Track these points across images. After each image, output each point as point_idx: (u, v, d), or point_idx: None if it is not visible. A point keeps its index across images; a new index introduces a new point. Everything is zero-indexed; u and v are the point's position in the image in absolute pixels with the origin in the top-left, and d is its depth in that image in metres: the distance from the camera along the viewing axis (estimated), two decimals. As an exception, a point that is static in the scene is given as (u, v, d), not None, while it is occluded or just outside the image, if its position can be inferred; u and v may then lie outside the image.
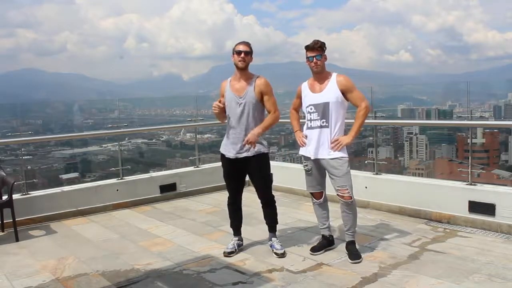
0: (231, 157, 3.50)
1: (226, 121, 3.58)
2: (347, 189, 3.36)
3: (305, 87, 3.53)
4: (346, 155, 3.38)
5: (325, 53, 3.40)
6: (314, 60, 3.35)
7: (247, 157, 3.47)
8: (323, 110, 3.36)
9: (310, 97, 3.45)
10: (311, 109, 3.43)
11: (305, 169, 3.57)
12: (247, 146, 3.41)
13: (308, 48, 3.37)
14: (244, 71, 3.47)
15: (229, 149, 3.52)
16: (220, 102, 3.49)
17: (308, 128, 3.48)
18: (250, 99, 3.44)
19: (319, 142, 3.39)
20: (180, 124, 7.43)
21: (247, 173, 3.60)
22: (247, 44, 3.47)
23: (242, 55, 3.41)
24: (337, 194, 3.41)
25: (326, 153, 3.38)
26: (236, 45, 3.48)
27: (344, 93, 3.36)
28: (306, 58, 3.39)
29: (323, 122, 3.37)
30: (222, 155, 3.60)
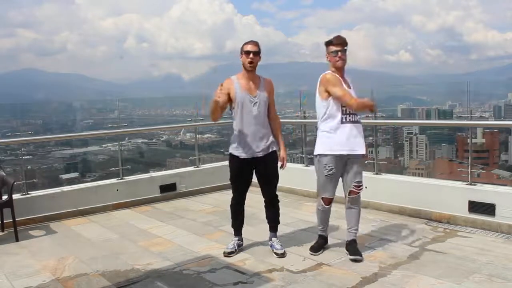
0: (247, 157, 3.46)
1: (235, 121, 3.48)
2: (362, 185, 3.43)
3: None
4: None
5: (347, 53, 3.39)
6: (339, 54, 3.31)
7: (260, 156, 3.47)
8: None
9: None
10: None
11: (328, 174, 3.37)
12: (262, 148, 3.46)
13: (331, 42, 3.33)
14: (253, 71, 3.45)
15: (244, 149, 3.45)
16: (221, 88, 3.29)
17: (343, 122, 3.33)
18: (263, 98, 3.45)
19: (356, 137, 3.33)
20: (180, 124, 7.43)
21: (255, 172, 3.59)
22: (255, 43, 3.43)
23: (251, 55, 3.38)
24: (351, 190, 3.41)
25: (363, 148, 3.36)
26: (244, 44, 3.43)
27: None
28: (329, 53, 3.34)
29: (358, 118, 3.37)
30: (234, 157, 3.52)
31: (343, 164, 3.39)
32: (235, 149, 3.50)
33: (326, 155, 3.36)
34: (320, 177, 3.44)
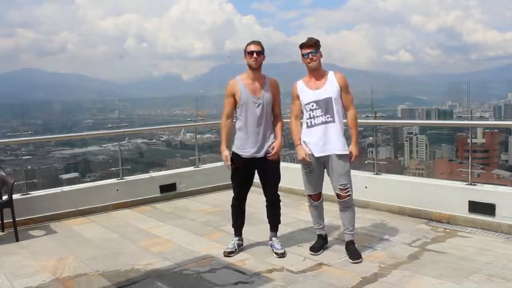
0: (248, 157, 3.49)
1: (239, 121, 3.51)
2: (349, 187, 3.37)
3: (301, 85, 3.48)
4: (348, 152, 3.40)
5: (321, 51, 3.40)
6: (310, 56, 3.35)
7: (262, 156, 3.48)
8: (326, 106, 3.33)
9: (310, 94, 3.41)
10: (312, 105, 3.37)
11: (306, 170, 3.50)
12: (265, 149, 3.47)
13: (303, 46, 3.38)
14: (257, 71, 3.47)
15: (246, 148, 3.49)
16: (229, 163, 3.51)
17: (309, 126, 3.40)
18: (267, 100, 3.47)
19: (327, 138, 3.33)
20: (180, 124, 7.43)
21: (257, 172, 3.60)
22: (258, 43, 3.46)
23: (255, 55, 3.40)
24: (338, 194, 3.40)
25: (336, 148, 3.33)
26: (247, 45, 3.46)
27: (341, 90, 3.37)
28: (302, 56, 3.40)
29: (328, 118, 3.33)
30: (236, 155, 3.54)
31: (321, 164, 3.43)
32: (237, 148, 3.54)
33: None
34: (302, 175, 3.56)
